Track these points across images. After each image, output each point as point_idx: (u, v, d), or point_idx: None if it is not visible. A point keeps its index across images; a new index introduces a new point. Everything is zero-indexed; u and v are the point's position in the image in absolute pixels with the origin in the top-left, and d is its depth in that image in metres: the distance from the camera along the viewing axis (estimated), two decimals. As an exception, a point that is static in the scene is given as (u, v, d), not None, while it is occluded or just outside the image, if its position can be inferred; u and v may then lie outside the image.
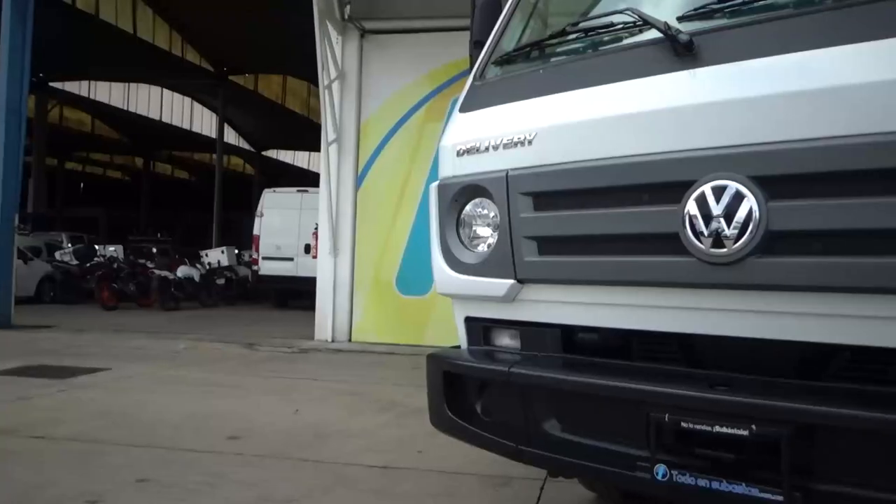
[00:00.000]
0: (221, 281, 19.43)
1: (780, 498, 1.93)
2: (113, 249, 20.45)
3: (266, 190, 18.64)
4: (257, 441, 4.87)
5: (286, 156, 47.22)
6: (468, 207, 2.86)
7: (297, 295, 16.83)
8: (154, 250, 20.56)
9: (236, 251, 21.35)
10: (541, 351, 2.69)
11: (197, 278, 18.18)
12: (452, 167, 2.91)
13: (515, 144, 2.67)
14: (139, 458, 4.38)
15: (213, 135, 35.71)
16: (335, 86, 10.89)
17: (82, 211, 39.09)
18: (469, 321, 2.96)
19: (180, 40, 30.08)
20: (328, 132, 10.85)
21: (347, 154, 11.04)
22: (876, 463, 1.90)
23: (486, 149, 2.77)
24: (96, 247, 22.25)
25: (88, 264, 18.29)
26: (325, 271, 11.05)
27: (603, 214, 2.41)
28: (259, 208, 17.83)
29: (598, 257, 2.44)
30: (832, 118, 1.98)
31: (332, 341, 10.84)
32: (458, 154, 2.88)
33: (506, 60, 2.96)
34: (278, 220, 17.33)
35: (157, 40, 28.75)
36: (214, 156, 35.33)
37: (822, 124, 1.99)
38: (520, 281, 2.65)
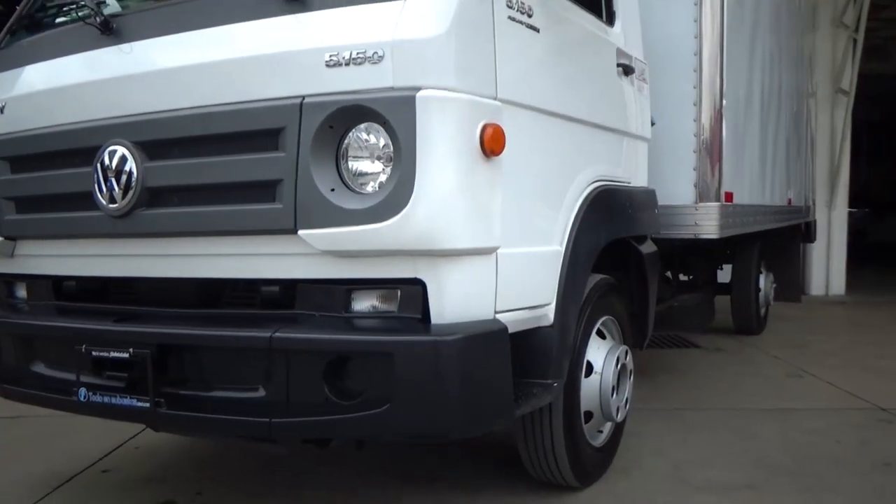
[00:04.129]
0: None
1: (147, 405, 2.37)
2: None
3: None
4: None
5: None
6: None
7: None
8: None
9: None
10: (40, 300, 3.00)
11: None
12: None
13: None
14: None
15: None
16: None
17: None
18: (-7, 276, 3.21)
19: None
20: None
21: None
22: (216, 368, 2.38)
23: None
24: None
25: None
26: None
27: (47, 176, 2.73)
28: None
29: (49, 214, 2.76)
30: (182, 92, 2.39)
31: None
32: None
33: (15, 30, 3.17)
34: None
35: None
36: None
37: (177, 97, 2.40)
38: (9, 238, 2.93)
